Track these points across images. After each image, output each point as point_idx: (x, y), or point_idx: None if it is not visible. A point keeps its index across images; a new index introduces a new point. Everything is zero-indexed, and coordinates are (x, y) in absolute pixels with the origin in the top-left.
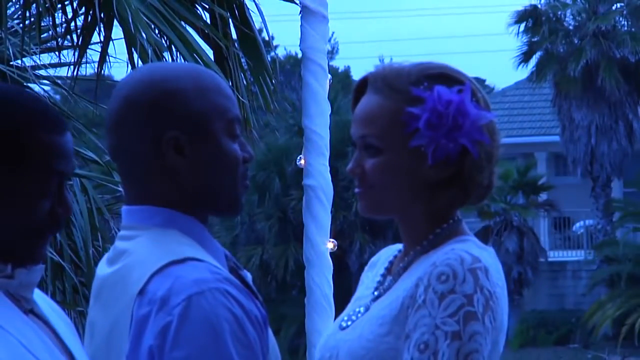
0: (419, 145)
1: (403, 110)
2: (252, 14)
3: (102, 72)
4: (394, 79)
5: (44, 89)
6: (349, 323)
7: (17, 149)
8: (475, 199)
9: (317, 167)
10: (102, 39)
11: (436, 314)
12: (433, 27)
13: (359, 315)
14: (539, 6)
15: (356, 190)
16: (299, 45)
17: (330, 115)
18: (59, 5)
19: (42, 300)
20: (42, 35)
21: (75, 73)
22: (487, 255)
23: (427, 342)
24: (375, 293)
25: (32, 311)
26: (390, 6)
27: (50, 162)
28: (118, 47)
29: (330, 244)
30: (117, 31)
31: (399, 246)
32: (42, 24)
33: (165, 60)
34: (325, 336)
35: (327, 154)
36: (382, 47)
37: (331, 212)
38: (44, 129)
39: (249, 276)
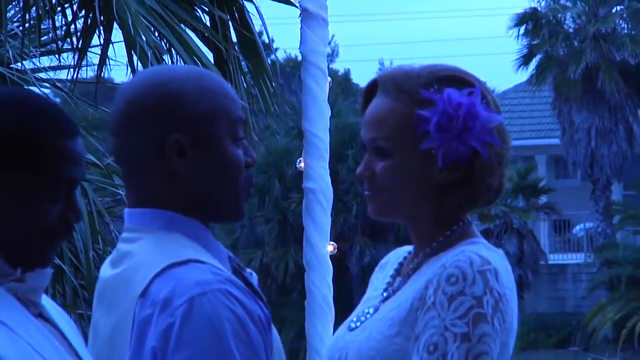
0: (429, 148)
1: (413, 112)
2: (251, 16)
3: (102, 74)
4: (404, 81)
5: (44, 92)
6: (358, 324)
7: (30, 153)
8: (485, 201)
9: (317, 170)
10: (101, 41)
11: (445, 316)
12: (433, 30)
13: (368, 316)
14: (539, 9)
15: (366, 193)
16: (299, 48)
17: (330, 118)
18: (59, 8)
19: (48, 303)
20: (42, 38)
21: (75, 76)
22: (497, 257)
23: (436, 343)
24: (384, 294)
25: (40, 315)
26: (391, 9)
27: (62, 167)
28: (118, 50)
29: (330, 247)
30: (117, 34)
31: (409, 248)
32: (42, 27)
33: (165, 63)
34: (334, 337)
35: (327, 156)
36: (383, 50)
37: (331, 215)
38: (56, 133)
39: (254, 277)
